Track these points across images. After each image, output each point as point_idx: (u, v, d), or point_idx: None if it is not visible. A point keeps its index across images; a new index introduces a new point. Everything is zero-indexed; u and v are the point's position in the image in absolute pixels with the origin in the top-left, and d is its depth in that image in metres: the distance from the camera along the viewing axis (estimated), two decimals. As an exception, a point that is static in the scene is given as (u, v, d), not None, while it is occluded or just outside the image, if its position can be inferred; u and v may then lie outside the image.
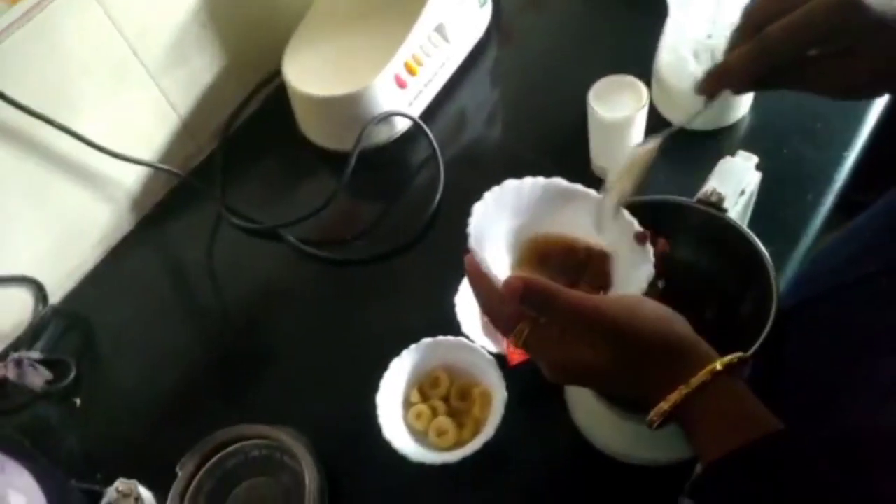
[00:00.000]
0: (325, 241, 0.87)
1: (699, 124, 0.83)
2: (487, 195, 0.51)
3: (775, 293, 0.50)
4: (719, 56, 0.69)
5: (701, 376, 0.41)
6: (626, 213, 0.51)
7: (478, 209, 0.50)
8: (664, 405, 0.41)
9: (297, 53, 0.90)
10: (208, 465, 0.67)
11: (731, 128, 0.84)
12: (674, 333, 0.43)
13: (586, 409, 0.66)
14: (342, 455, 0.70)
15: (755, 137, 0.83)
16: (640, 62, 0.84)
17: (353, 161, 0.85)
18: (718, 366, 0.41)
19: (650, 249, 0.49)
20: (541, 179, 0.52)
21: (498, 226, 0.51)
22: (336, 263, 0.85)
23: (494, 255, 0.49)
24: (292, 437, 0.67)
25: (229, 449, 0.67)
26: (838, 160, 0.79)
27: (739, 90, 0.46)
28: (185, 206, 0.93)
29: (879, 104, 0.82)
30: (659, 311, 0.43)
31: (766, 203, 0.70)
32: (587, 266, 0.51)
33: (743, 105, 0.83)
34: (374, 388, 0.68)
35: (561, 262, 0.51)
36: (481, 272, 0.46)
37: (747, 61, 0.43)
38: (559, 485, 0.67)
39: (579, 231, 0.52)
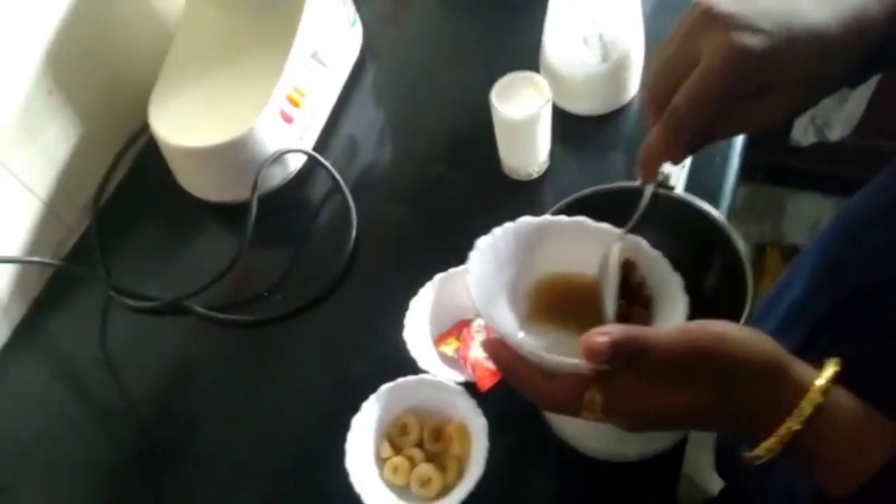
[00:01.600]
0: (238, 302, 0.78)
1: (592, 110, 0.83)
2: (474, 260, 0.45)
3: (746, 261, 0.49)
4: (606, 38, 0.67)
5: (813, 398, 0.36)
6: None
7: (473, 280, 0.44)
8: (773, 441, 0.37)
9: (164, 105, 0.81)
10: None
11: (624, 107, 0.84)
12: (767, 352, 0.38)
13: (567, 417, 0.63)
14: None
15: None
16: (522, 58, 0.83)
17: (253, 210, 0.77)
18: (824, 381, 0.37)
19: (678, 275, 0.46)
20: (510, 225, 0.48)
21: (493, 287, 0.46)
22: (256, 325, 0.76)
23: (503, 319, 0.44)
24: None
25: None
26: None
27: (676, 162, 0.45)
28: (68, 297, 0.82)
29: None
30: (745, 332, 0.38)
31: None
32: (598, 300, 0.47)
33: (634, 85, 0.84)
34: (337, 453, 0.62)
35: (578, 304, 0.47)
36: (515, 358, 0.40)
37: (667, 141, 0.43)
38: (559, 499, 0.63)
39: (580, 265, 0.48)
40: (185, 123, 0.80)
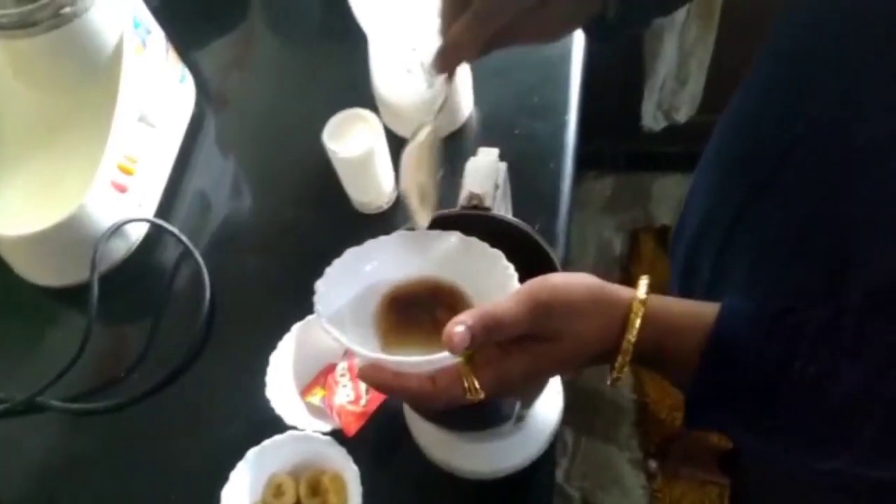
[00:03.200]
0: (96, 389, 0.75)
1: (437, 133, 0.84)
2: (320, 303, 0.46)
3: (558, 265, 0.51)
4: (428, 65, 0.71)
5: (636, 315, 0.41)
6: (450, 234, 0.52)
7: (326, 320, 0.45)
8: (621, 358, 0.42)
9: (-18, 194, 0.77)
10: None
11: (463, 128, 0.86)
12: (591, 285, 0.43)
13: (438, 443, 0.64)
14: None
15: (488, 128, 0.86)
16: (362, 91, 0.84)
17: (95, 290, 0.74)
18: (642, 294, 0.42)
19: (497, 251, 0.50)
20: (338, 260, 0.50)
21: (346, 320, 0.48)
22: (118, 409, 0.73)
23: (365, 346, 0.46)
24: None
25: None
26: (563, 124, 0.85)
27: (470, 59, 0.50)
28: None
29: (576, 66, 0.89)
30: (568, 274, 0.44)
31: (520, 184, 0.73)
32: (437, 296, 0.50)
33: (465, 105, 0.86)
34: (215, 527, 0.60)
35: (417, 306, 0.50)
36: (393, 375, 0.42)
37: (469, 34, 0.48)
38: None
39: (414, 272, 0.51)
40: (10, 211, 0.76)
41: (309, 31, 1.02)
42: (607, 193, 1.77)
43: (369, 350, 0.45)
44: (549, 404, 0.66)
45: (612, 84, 1.57)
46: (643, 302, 0.42)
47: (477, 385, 0.41)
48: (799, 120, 0.47)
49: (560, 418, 0.66)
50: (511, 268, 0.50)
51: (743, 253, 0.54)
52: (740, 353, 0.41)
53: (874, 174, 0.41)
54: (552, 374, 0.46)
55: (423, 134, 0.51)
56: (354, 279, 0.50)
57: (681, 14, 1.39)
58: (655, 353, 0.42)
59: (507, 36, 0.50)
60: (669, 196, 1.73)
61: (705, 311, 0.42)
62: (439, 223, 0.57)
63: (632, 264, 1.66)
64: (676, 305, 0.44)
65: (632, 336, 0.42)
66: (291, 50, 1.01)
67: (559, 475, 1.42)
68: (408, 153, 0.50)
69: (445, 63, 0.50)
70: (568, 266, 0.77)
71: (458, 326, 0.40)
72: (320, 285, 0.48)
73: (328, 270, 0.49)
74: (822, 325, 0.39)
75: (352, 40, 0.93)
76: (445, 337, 0.40)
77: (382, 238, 0.52)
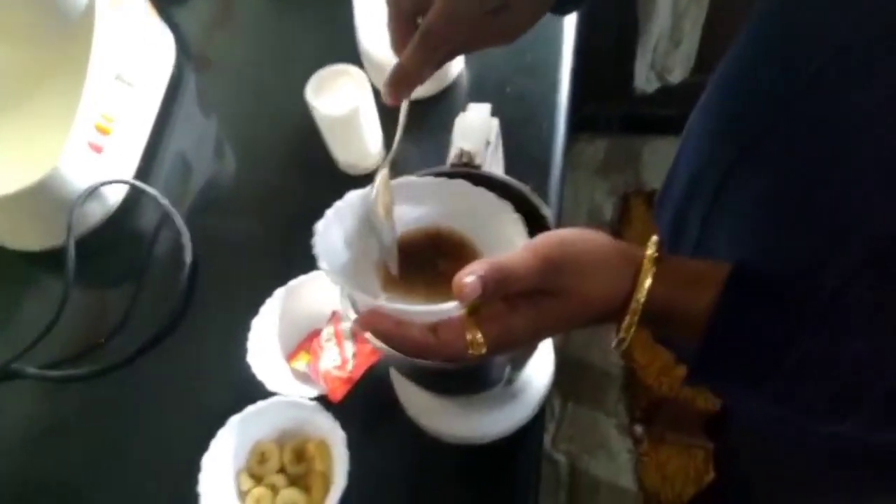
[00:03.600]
0: (76, 355, 0.73)
1: (418, 93, 0.82)
2: (319, 244, 0.44)
3: (551, 223, 0.50)
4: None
5: (646, 274, 0.40)
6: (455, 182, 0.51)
7: (325, 260, 0.43)
8: (629, 318, 0.41)
9: (-48, 155, 0.74)
10: None
11: (452, 86, 0.84)
12: (602, 242, 0.42)
13: (424, 409, 0.63)
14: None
15: (479, 86, 0.84)
16: (349, 50, 0.81)
17: (72, 253, 0.72)
18: (652, 253, 0.41)
19: (505, 202, 0.49)
20: (339, 202, 0.48)
21: (345, 264, 0.47)
22: (98, 375, 0.71)
23: (364, 291, 0.44)
24: None
25: None
26: (555, 83, 0.82)
27: (423, 81, 0.48)
28: None
29: (569, 25, 0.86)
30: (579, 230, 0.42)
31: (511, 145, 0.71)
32: (442, 246, 0.49)
33: (455, 63, 0.83)
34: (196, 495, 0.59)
35: (421, 255, 0.49)
36: (395, 323, 0.41)
37: (421, 60, 0.46)
38: (432, 491, 0.63)
39: (417, 221, 0.51)
40: (-20, 171, 0.73)
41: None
42: (600, 156, 1.75)
43: (368, 295, 0.44)
44: (540, 369, 0.65)
45: (605, 45, 1.54)
46: (653, 260, 0.41)
47: (480, 339, 0.40)
48: (791, 80, 0.45)
49: (550, 383, 0.65)
50: (520, 219, 0.49)
51: (731, 215, 0.53)
52: (750, 317, 0.40)
53: (872, 135, 0.40)
54: (557, 331, 0.44)
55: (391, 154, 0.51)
56: (356, 224, 0.49)
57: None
58: (663, 312, 0.41)
59: (461, 45, 0.49)
60: (661, 160, 1.71)
61: (715, 271, 0.41)
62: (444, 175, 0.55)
63: (623, 228, 1.64)
64: (687, 265, 0.43)
65: (641, 296, 0.41)
66: (275, 6, 0.97)
67: (546, 440, 1.42)
68: (381, 174, 0.49)
69: (396, 92, 0.48)
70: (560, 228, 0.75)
71: (469, 276, 0.38)
72: (319, 227, 0.46)
73: (328, 212, 0.47)
74: (832, 293, 0.38)
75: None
76: (455, 286, 0.38)
77: (356, 193, 0.50)
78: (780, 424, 0.58)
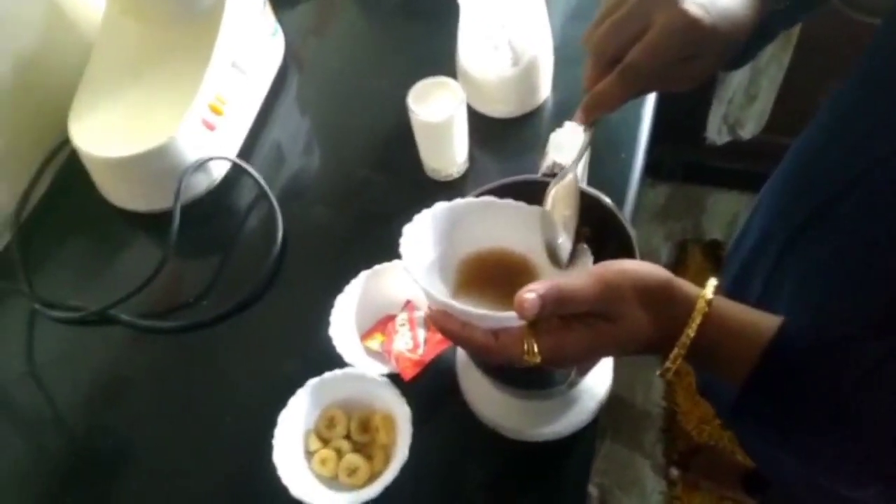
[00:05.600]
0: (166, 310, 0.79)
1: (507, 112, 0.87)
2: (405, 244, 0.49)
3: (635, 242, 0.53)
4: (515, 43, 0.74)
5: (699, 312, 0.43)
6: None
7: (408, 261, 0.48)
8: (677, 351, 0.43)
9: (83, 115, 0.82)
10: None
11: (538, 109, 0.88)
12: (661, 277, 0.45)
13: (487, 400, 0.66)
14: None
15: (561, 112, 0.88)
16: (441, 64, 0.86)
17: (177, 218, 0.78)
18: (709, 294, 0.43)
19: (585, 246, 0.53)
20: (427, 211, 0.53)
21: (424, 266, 0.51)
22: (184, 330, 0.77)
23: (440, 292, 0.49)
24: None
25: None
26: (637, 117, 0.86)
27: (611, 111, 0.53)
28: (-10, 312, 0.81)
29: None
30: (641, 263, 0.46)
31: (590, 168, 0.75)
32: (511, 267, 0.53)
33: (543, 88, 0.88)
34: (268, 450, 0.63)
35: (498, 275, 0.53)
36: (461, 324, 0.45)
37: (620, 87, 0.50)
38: (482, 479, 0.66)
39: (496, 239, 0.54)
40: (105, 135, 0.81)
41: (394, 5, 1.05)
42: (661, 201, 1.77)
43: (443, 295, 0.48)
44: (599, 379, 0.68)
45: (681, 91, 1.57)
46: (708, 301, 0.43)
47: (535, 349, 0.44)
48: (868, 153, 0.48)
49: (607, 394, 0.68)
50: (587, 249, 0.53)
51: (796, 273, 0.55)
52: (792, 372, 0.42)
53: None
54: (607, 354, 0.48)
55: (569, 177, 0.55)
56: (439, 233, 0.53)
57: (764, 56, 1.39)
58: (709, 352, 0.44)
59: (652, 85, 0.53)
60: (723, 211, 1.72)
61: (765, 322, 0.44)
62: (521, 188, 0.59)
63: (677, 275, 1.65)
64: (739, 312, 0.45)
65: (691, 331, 0.43)
66: (374, 21, 1.04)
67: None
68: (555, 189, 0.54)
69: (588, 115, 0.53)
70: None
71: (530, 294, 0.42)
72: (407, 230, 0.51)
73: (417, 217, 0.52)
74: (876, 359, 0.40)
75: (435, 17, 0.96)
76: (517, 301, 0.42)
77: (472, 200, 0.55)
78: (815, 490, 0.60)
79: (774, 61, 1.42)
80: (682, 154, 1.73)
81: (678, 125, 1.57)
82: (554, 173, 0.59)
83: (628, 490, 1.41)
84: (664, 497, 1.40)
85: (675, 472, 1.43)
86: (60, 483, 0.70)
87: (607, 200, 0.56)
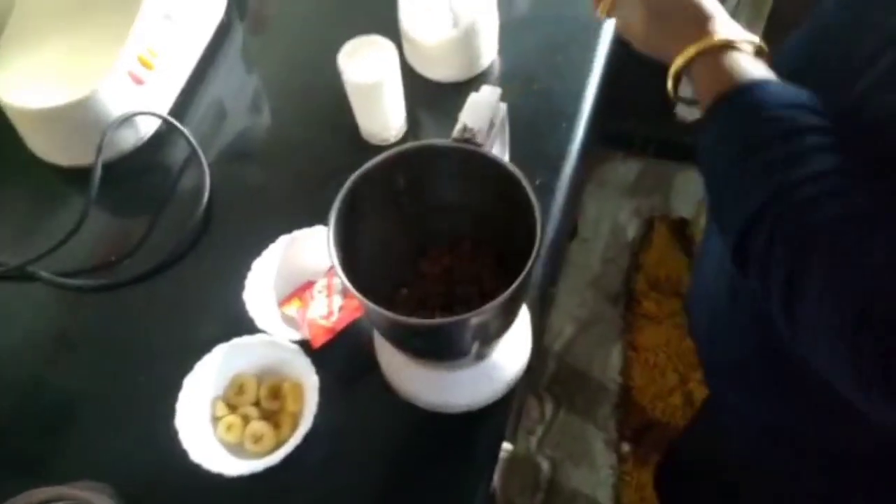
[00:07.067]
0: (88, 268, 0.77)
1: (450, 76, 0.84)
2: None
3: (537, 212, 0.51)
4: (456, 6, 0.73)
5: (718, 41, 0.46)
6: None
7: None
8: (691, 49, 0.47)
9: (7, 65, 0.79)
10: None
11: (483, 74, 0.86)
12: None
13: (400, 370, 0.65)
14: (155, 496, 0.63)
15: (507, 79, 0.86)
16: (388, 24, 0.83)
17: (97, 173, 0.76)
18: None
19: None
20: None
21: None
22: (104, 289, 0.75)
23: None
24: (91, 490, 0.59)
25: (15, 526, 0.58)
26: (582, 89, 0.84)
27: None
28: None
29: (607, 34, 0.88)
30: None
31: (526, 138, 0.73)
32: None
33: (487, 53, 0.85)
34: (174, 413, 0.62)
35: None
36: None
37: None
38: (390, 450, 0.66)
39: None
40: (28, 85, 0.78)
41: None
42: (630, 177, 1.75)
43: None
44: (515, 356, 0.67)
45: (651, 66, 1.54)
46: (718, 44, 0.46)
47: None
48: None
49: (522, 371, 0.66)
50: None
51: None
52: (772, 96, 0.44)
53: None
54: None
55: None
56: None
57: (730, 3, 1.36)
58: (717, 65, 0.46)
59: None
60: (690, 190, 1.70)
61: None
62: (426, 153, 0.57)
63: (642, 251, 1.65)
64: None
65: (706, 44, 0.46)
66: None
67: (532, 442, 1.43)
68: None
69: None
70: (575, 238, 0.77)
71: None
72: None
73: None
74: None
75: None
76: None
77: None
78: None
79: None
80: (653, 130, 1.71)
81: (648, 101, 1.54)
82: (466, 138, 0.57)
83: (579, 462, 1.42)
84: (614, 472, 1.41)
85: (626, 447, 1.43)
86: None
87: (511, 167, 0.54)
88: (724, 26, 0.48)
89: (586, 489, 1.40)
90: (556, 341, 1.54)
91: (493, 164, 0.54)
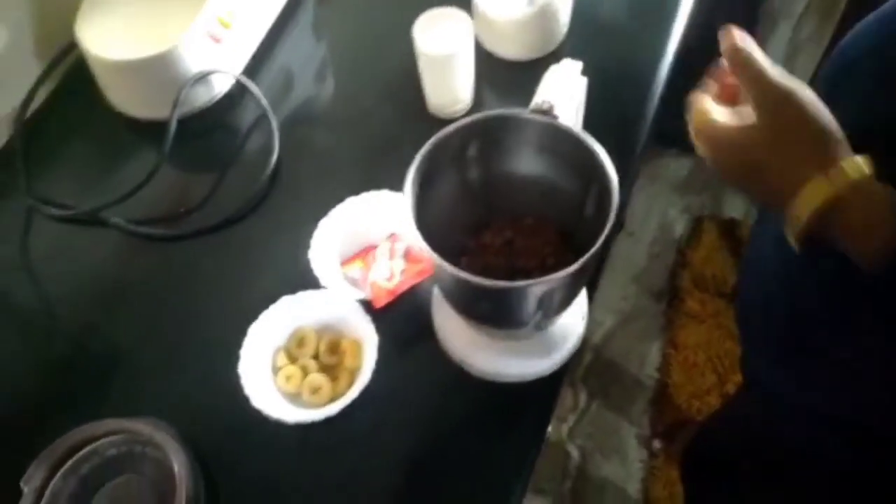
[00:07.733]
0: (156, 218, 0.80)
1: (519, 55, 0.85)
2: None
3: (614, 190, 0.52)
4: None
5: (855, 173, 0.41)
6: None
7: None
8: (817, 197, 0.41)
9: (91, 16, 0.81)
10: (58, 475, 0.60)
11: (555, 53, 0.86)
12: (827, 120, 0.43)
13: (455, 336, 0.66)
14: (212, 436, 0.65)
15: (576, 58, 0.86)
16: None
17: (172, 127, 0.78)
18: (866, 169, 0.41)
19: None
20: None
21: None
22: (171, 240, 0.78)
23: None
24: (152, 427, 0.62)
25: (81, 453, 0.61)
26: (655, 64, 0.84)
27: None
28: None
29: (678, 28, 0.87)
30: (814, 97, 0.44)
31: (597, 113, 0.73)
32: None
33: (560, 33, 0.85)
34: (236, 361, 0.64)
35: None
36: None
37: None
38: (442, 415, 0.67)
39: None
40: (111, 38, 0.80)
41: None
42: (682, 174, 1.73)
43: None
44: (570, 330, 0.67)
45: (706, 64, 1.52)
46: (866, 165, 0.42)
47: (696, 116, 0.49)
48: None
49: (572, 352, 0.67)
50: None
51: None
52: None
53: None
54: (741, 158, 0.47)
55: None
56: None
57: (800, 4, 1.33)
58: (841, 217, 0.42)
59: None
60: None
61: None
62: (505, 122, 0.58)
63: (690, 249, 1.63)
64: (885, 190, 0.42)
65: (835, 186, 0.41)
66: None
67: (563, 430, 1.44)
68: None
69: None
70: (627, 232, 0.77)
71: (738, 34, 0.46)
72: None
73: None
74: None
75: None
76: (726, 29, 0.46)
77: None
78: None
79: (814, 41, 1.37)
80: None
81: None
82: (542, 110, 0.57)
83: (609, 456, 1.42)
84: (644, 466, 1.40)
85: (658, 444, 1.43)
86: (47, 371, 0.72)
87: (593, 143, 0.55)
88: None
89: (615, 480, 1.40)
90: (595, 333, 1.53)
91: (571, 136, 0.55)
